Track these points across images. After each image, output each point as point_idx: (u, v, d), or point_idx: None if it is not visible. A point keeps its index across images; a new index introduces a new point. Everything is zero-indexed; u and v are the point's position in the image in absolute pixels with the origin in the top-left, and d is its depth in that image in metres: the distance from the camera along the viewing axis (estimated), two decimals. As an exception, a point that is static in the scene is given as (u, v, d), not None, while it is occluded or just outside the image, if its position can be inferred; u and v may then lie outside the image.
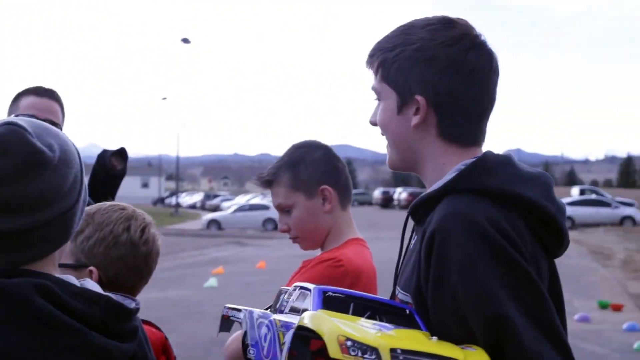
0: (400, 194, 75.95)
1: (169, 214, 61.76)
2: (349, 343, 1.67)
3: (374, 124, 2.24)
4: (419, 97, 2.11)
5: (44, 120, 3.93)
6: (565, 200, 45.85)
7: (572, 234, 25.60)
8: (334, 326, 1.72)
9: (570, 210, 42.66)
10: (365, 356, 1.67)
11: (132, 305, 1.84)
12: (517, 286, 1.91)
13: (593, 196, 52.20)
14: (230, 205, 60.29)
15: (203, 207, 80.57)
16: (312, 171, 3.15)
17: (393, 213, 64.77)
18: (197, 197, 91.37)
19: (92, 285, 1.86)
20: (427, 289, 2.00)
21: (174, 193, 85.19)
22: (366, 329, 1.76)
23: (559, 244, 2.10)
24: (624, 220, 47.41)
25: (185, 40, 59.87)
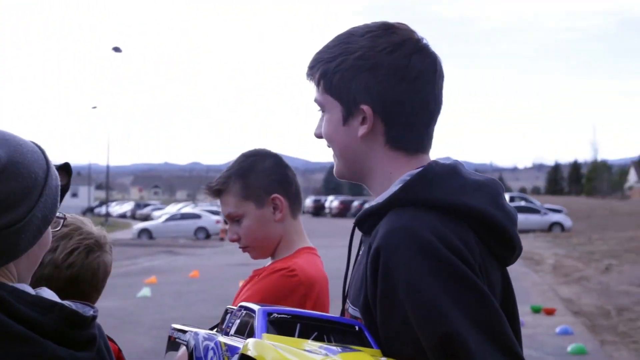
0: (332, 202, 76.57)
1: (99, 224, 60.88)
2: None
3: (319, 136, 2.18)
4: (364, 107, 2.06)
5: None
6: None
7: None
8: (277, 355, 1.68)
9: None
10: None
11: (89, 312, 1.79)
12: (468, 301, 1.87)
13: (522, 203, 52.96)
14: (161, 215, 59.77)
15: (133, 217, 79.92)
16: (263, 180, 3.09)
17: (325, 221, 65.05)
18: (127, 207, 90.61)
19: (48, 293, 1.81)
20: (376, 307, 1.95)
21: (104, 202, 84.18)
22: (311, 356, 1.72)
23: (510, 252, 2.07)
24: (552, 226, 48.43)
25: (117, 49, 59.34)
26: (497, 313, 1.89)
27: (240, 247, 3.17)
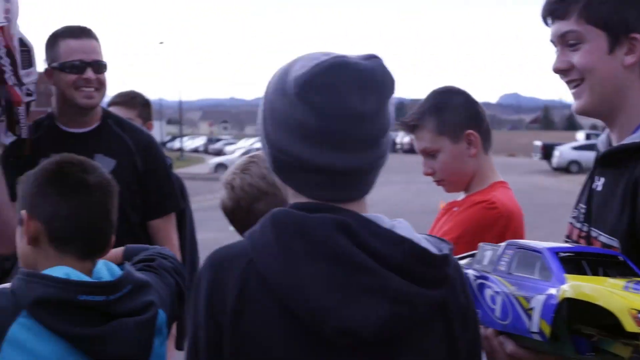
0: (403, 138, 76.15)
1: (176, 158, 61.48)
2: None
3: (559, 70, 2.21)
4: (638, 36, 2.11)
5: (91, 62, 3.80)
6: (571, 145, 45.78)
7: (579, 178, 25.39)
8: (618, 299, 1.66)
9: (576, 155, 43.41)
10: None
11: (442, 251, 1.72)
12: None
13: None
14: (234, 149, 60.03)
15: (206, 151, 79.94)
16: (457, 116, 3.15)
17: (397, 157, 64.76)
18: (199, 141, 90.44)
19: (403, 228, 1.73)
20: None
21: (176, 137, 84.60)
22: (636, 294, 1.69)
23: None
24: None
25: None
26: None
27: (434, 181, 3.25)
